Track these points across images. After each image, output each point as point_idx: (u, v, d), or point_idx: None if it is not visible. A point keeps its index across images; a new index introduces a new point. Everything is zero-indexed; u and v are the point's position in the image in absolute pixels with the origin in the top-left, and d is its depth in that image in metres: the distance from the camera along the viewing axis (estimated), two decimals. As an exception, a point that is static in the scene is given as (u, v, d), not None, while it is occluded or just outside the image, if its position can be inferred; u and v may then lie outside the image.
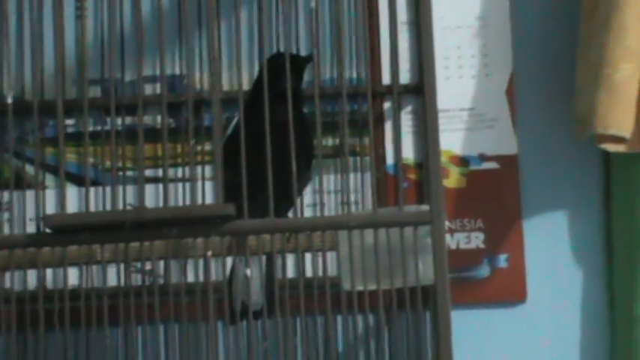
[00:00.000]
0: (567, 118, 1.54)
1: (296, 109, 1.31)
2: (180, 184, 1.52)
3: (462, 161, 1.58)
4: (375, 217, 1.30)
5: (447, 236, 1.53)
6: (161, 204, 1.35)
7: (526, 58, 1.61)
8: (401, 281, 1.31)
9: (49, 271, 1.40)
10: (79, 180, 1.56)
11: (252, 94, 1.40)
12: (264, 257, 1.42)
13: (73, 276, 1.41)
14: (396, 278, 1.31)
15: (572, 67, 1.54)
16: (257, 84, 1.42)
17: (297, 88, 1.40)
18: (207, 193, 1.51)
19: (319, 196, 1.35)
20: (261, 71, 1.42)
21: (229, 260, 1.41)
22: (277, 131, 1.29)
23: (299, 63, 1.45)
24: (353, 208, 1.51)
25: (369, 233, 1.30)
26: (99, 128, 1.54)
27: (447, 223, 1.45)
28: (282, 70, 1.38)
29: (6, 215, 1.49)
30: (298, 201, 1.39)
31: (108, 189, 1.53)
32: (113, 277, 1.33)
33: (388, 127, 1.60)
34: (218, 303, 1.30)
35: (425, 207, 1.29)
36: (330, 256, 1.36)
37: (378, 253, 1.30)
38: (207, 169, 1.52)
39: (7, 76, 1.49)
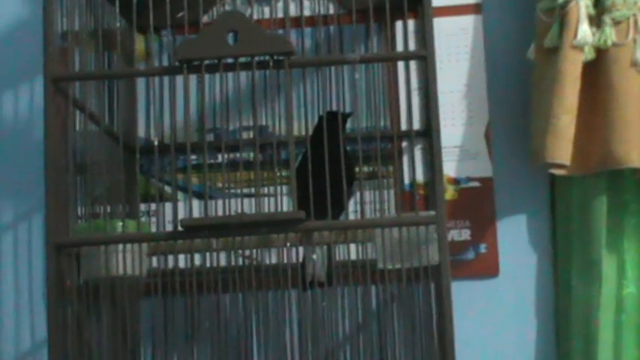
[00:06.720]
0: (526, 152, 1.68)
1: (343, 148, 1.47)
2: (266, 199, 1.59)
3: (455, 181, 1.73)
4: (400, 219, 1.47)
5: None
6: (254, 211, 1.45)
7: (498, 111, 1.76)
8: (417, 262, 1.46)
9: (181, 256, 1.50)
10: (200, 196, 1.67)
11: (313, 136, 1.53)
12: (325, 247, 1.54)
13: (197, 259, 1.53)
14: (414, 260, 1.46)
15: (529, 117, 1.66)
16: (317, 129, 1.56)
17: (343, 133, 1.55)
18: (284, 204, 1.62)
19: (361, 205, 1.47)
20: (320, 120, 1.56)
21: (301, 249, 1.55)
22: (331, 161, 1.44)
23: (344, 117, 1.59)
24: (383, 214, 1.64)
25: (395, 230, 1.45)
26: (212, 161, 1.64)
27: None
28: (333, 122, 1.54)
29: (152, 219, 1.73)
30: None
31: (219, 202, 1.64)
32: (223, 260, 1.52)
33: (405, 159, 1.75)
34: (293, 277, 1.45)
35: (432, 212, 1.44)
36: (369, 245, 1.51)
37: (401, 244, 1.44)
38: (284, 188, 1.62)
39: (154, 127, 1.73)
